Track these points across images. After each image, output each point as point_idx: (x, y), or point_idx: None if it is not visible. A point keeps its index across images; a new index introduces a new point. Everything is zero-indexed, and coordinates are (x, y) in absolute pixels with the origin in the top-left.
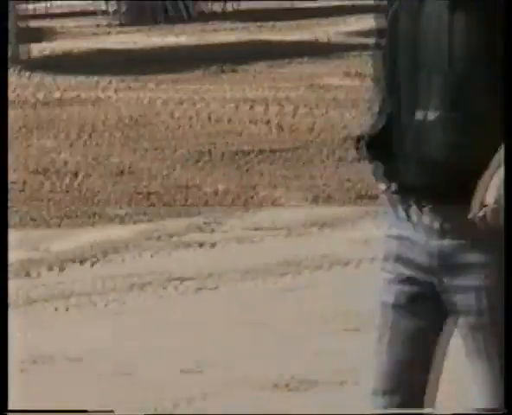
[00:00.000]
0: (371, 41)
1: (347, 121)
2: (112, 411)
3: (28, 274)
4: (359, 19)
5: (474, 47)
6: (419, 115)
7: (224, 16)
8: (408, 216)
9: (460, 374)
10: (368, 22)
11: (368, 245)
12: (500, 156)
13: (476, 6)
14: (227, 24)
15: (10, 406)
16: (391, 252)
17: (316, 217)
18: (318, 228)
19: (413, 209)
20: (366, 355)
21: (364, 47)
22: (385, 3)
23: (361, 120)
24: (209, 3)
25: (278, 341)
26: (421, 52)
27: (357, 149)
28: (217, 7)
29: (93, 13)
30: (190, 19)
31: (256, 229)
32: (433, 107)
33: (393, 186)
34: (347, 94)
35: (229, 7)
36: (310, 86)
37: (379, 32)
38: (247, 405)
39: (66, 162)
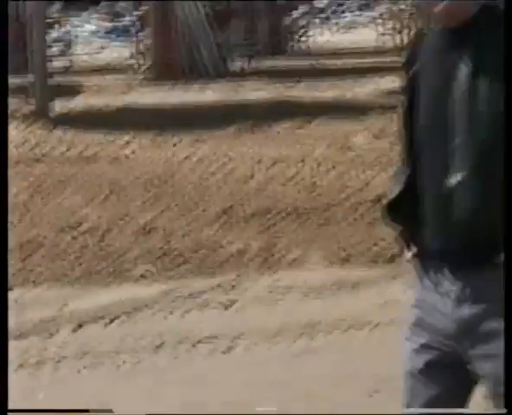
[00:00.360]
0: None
1: (374, 182)
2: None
3: (44, 332)
4: (388, 80)
5: (495, 116)
6: (442, 179)
7: (250, 74)
8: (432, 282)
9: None
10: (395, 82)
11: (398, 307)
12: None
13: (499, 77)
14: (254, 82)
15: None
16: (415, 319)
17: (340, 278)
18: (339, 290)
19: (437, 275)
20: None
21: (392, 107)
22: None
23: (388, 181)
24: (240, 62)
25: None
26: (444, 116)
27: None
28: (244, 65)
29: (119, 69)
30: (217, 76)
31: (277, 289)
32: (457, 170)
33: (416, 250)
34: (375, 155)
35: (257, 65)
36: (337, 145)
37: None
38: None
39: (88, 220)
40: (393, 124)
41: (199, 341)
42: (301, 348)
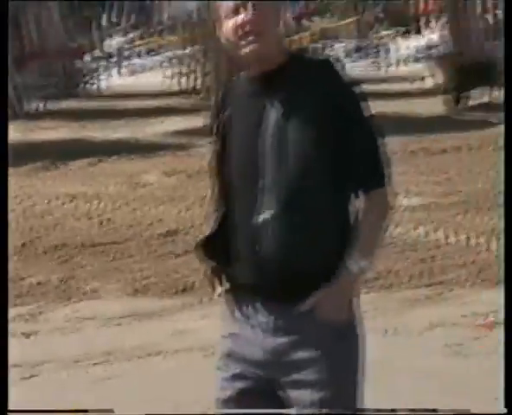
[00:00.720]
0: (187, 140)
1: (165, 217)
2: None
3: None
4: (175, 121)
5: (303, 156)
6: (253, 216)
7: (46, 114)
8: (244, 315)
9: None
10: (182, 123)
11: (190, 335)
12: (343, 275)
13: (307, 119)
14: (49, 122)
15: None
16: (226, 350)
17: (135, 309)
18: (135, 319)
19: (249, 308)
20: None
21: (180, 146)
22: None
23: (178, 216)
24: (35, 103)
25: None
26: (255, 158)
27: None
28: (41, 107)
29: None
30: (14, 117)
31: (76, 319)
32: (267, 208)
33: (228, 286)
34: (165, 192)
35: (52, 106)
36: (129, 183)
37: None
38: None
39: None
40: (181, 162)
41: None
42: (100, 375)
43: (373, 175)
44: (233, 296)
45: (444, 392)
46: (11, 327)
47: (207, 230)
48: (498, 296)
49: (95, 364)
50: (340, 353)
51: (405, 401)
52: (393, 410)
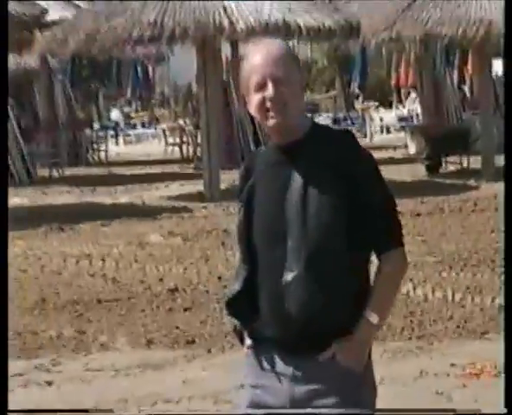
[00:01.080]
0: (186, 204)
1: (170, 275)
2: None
3: None
4: (176, 184)
5: (325, 220)
6: (278, 277)
7: (55, 181)
8: (269, 366)
9: None
10: (186, 187)
11: (196, 384)
12: (363, 327)
13: (328, 186)
14: (57, 188)
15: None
16: (251, 399)
17: (147, 360)
18: (149, 369)
19: (274, 360)
20: None
21: (181, 209)
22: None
23: (186, 274)
24: (48, 170)
25: None
26: (280, 222)
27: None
28: (49, 173)
29: None
30: (31, 182)
31: (88, 370)
32: (290, 269)
33: (253, 341)
34: (169, 251)
35: (59, 174)
36: (134, 243)
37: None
38: None
39: None
40: (183, 222)
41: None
42: None
43: (389, 236)
44: (258, 350)
45: None
46: (30, 376)
47: (234, 290)
48: (483, 348)
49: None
50: (357, 399)
51: None
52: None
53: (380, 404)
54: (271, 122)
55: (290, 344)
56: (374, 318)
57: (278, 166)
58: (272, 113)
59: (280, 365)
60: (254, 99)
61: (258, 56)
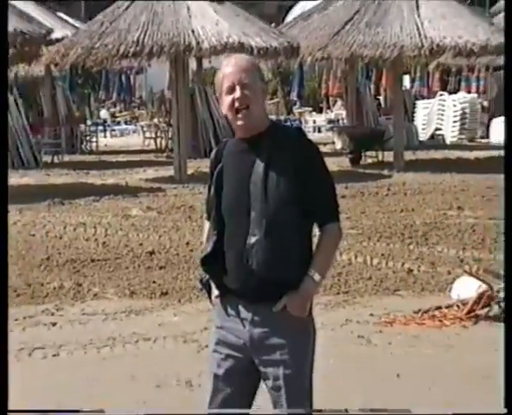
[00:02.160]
0: (160, 185)
1: (147, 241)
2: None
3: None
4: (152, 170)
5: (282, 194)
6: (243, 240)
7: (56, 165)
8: (233, 311)
9: None
10: (160, 172)
11: (169, 327)
12: (308, 283)
13: (283, 170)
14: (58, 171)
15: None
16: (218, 338)
17: (130, 308)
18: (132, 314)
19: (237, 307)
20: None
21: (157, 189)
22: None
23: (160, 240)
24: (51, 156)
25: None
26: (245, 197)
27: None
28: (56, 159)
29: None
30: (38, 166)
31: (84, 314)
32: (253, 235)
33: (220, 292)
34: (147, 222)
35: (59, 160)
36: (120, 215)
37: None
38: None
39: None
40: (158, 200)
41: (35, 349)
42: (106, 354)
43: (327, 213)
44: (224, 299)
45: (357, 371)
46: (38, 318)
47: (206, 251)
48: (394, 301)
49: (103, 346)
50: (301, 341)
51: (330, 376)
52: (346, 410)
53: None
54: (239, 122)
55: (250, 294)
56: (316, 276)
57: (243, 153)
58: (239, 115)
59: (242, 311)
60: (226, 101)
61: (229, 66)
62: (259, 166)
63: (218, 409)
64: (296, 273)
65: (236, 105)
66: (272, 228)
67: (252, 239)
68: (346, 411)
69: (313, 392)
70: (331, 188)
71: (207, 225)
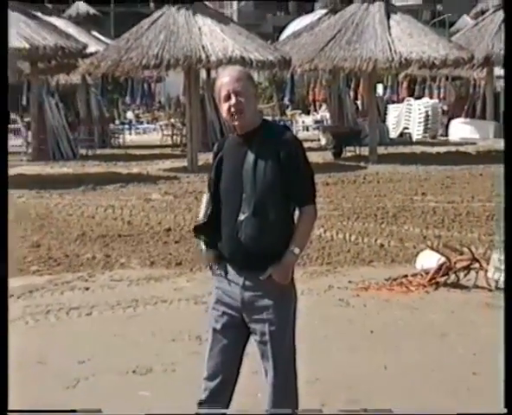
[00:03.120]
0: (175, 174)
1: (165, 220)
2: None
3: None
4: (169, 161)
5: (268, 180)
6: (235, 216)
7: (90, 157)
8: (227, 276)
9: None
10: (175, 163)
11: (183, 291)
12: (289, 256)
13: (270, 160)
14: (91, 162)
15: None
16: (217, 297)
17: (151, 275)
18: (151, 281)
19: (230, 272)
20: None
21: (173, 177)
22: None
23: (176, 219)
24: (85, 150)
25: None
26: (239, 181)
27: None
28: (90, 152)
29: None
30: (75, 157)
31: (112, 280)
32: (243, 212)
33: (216, 259)
34: (164, 204)
35: (92, 153)
36: (142, 199)
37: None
38: None
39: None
40: (174, 186)
41: (71, 309)
42: (130, 313)
43: (305, 196)
44: (219, 265)
45: (337, 328)
46: (75, 283)
47: (200, 219)
48: (369, 271)
49: (127, 307)
50: (284, 303)
51: (313, 335)
52: (319, 410)
53: (304, 305)
54: (234, 123)
55: (241, 263)
56: (296, 250)
57: (239, 146)
58: (235, 117)
59: (235, 276)
60: (224, 107)
61: (225, 77)
62: (250, 157)
63: (216, 357)
64: (279, 247)
65: (232, 110)
66: (259, 208)
67: (242, 217)
68: (321, 409)
69: (296, 348)
70: (309, 175)
71: (205, 197)
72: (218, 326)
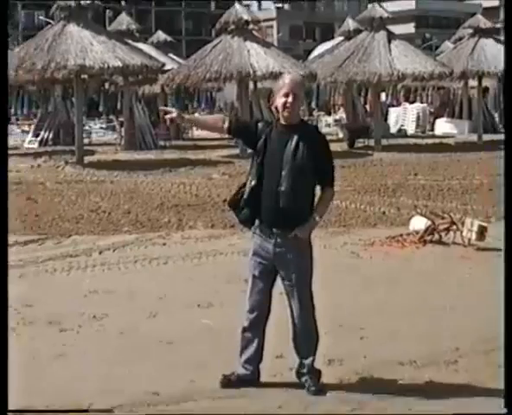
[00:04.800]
0: (231, 159)
1: (223, 194)
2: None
3: None
4: (226, 150)
5: (302, 164)
6: (275, 188)
7: (168, 147)
8: (264, 235)
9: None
10: (231, 151)
11: (235, 246)
12: (311, 221)
13: (305, 149)
14: (169, 151)
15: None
16: (254, 250)
17: (212, 234)
18: (212, 238)
19: (266, 232)
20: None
21: (229, 162)
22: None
23: (230, 194)
24: (164, 142)
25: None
26: (279, 162)
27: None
28: (167, 143)
29: (111, 144)
30: (156, 147)
31: (183, 238)
32: (282, 185)
33: (257, 222)
34: (221, 182)
35: (170, 143)
36: (206, 178)
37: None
38: None
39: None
40: (229, 168)
41: (152, 259)
42: (197, 263)
43: (328, 181)
44: (259, 228)
45: (350, 274)
46: (156, 240)
47: (246, 193)
48: (374, 231)
49: (195, 258)
50: (305, 257)
51: (331, 277)
52: None
53: (321, 256)
54: (285, 113)
55: (276, 224)
56: (317, 218)
57: (283, 134)
58: (287, 110)
59: (270, 234)
60: (281, 100)
61: (287, 79)
62: (291, 144)
63: (255, 295)
64: (305, 214)
65: (287, 105)
66: (294, 183)
67: (282, 188)
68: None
69: (313, 290)
70: (331, 165)
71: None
72: (256, 272)
